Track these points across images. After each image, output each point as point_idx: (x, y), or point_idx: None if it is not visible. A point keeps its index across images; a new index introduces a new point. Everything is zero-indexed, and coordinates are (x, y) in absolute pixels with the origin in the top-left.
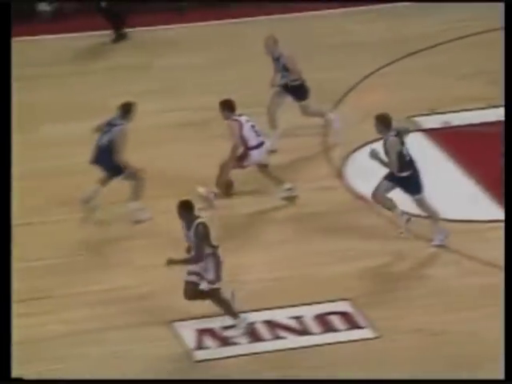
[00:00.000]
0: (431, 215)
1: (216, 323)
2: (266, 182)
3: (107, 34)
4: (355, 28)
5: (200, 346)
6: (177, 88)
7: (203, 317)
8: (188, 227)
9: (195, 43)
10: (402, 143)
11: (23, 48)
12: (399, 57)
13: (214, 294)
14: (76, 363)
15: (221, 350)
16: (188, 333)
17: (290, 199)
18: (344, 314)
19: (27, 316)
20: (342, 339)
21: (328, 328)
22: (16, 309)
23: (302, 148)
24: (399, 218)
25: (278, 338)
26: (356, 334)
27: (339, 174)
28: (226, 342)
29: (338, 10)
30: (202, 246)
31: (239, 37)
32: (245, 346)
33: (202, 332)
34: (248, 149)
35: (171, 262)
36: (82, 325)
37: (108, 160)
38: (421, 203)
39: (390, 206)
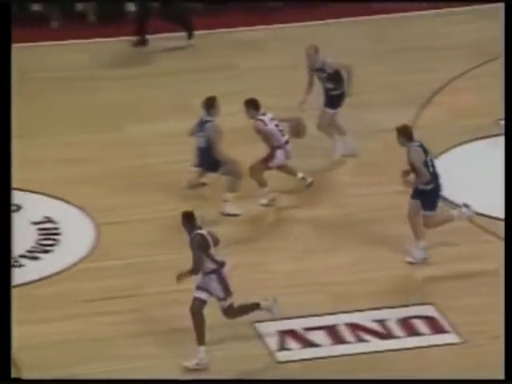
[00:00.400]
0: (445, 223)
1: (298, 324)
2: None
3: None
4: (445, 30)
5: (282, 347)
6: (262, 89)
7: (285, 318)
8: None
9: (280, 45)
10: (426, 153)
11: (112, 48)
12: (488, 59)
13: (229, 313)
14: (152, 362)
15: (303, 352)
16: (270, 334)
17: (308, 186)
18: (428, 318)
19: (101, 315)
20: (427, 344)
21: (412, 332)
22: (92, 308)
23: (384, 150)
24: (417, 249)
25: (361, 340)
26: (441, 339)
27: None
28: (308, 343)
29: (427, 11)
30: (196, 255)
31: (325, 38)
32: (327, 348)
33: (284, 333)
34: (274, 148)
35: (180, 277)
36: (159, 325)
37: (208, 159)
38: (429, 220)
39: (418, 235)
